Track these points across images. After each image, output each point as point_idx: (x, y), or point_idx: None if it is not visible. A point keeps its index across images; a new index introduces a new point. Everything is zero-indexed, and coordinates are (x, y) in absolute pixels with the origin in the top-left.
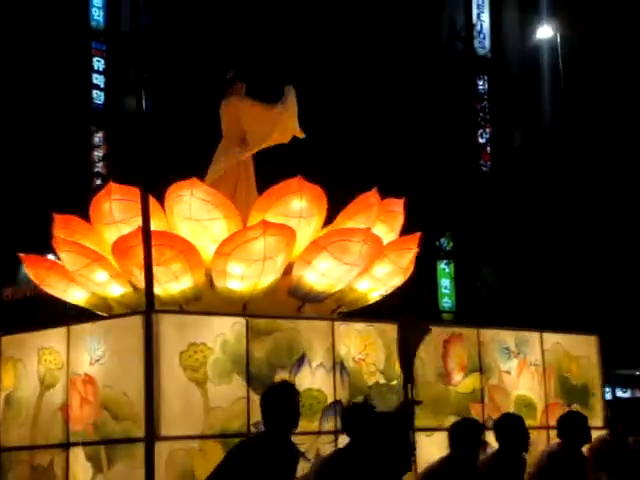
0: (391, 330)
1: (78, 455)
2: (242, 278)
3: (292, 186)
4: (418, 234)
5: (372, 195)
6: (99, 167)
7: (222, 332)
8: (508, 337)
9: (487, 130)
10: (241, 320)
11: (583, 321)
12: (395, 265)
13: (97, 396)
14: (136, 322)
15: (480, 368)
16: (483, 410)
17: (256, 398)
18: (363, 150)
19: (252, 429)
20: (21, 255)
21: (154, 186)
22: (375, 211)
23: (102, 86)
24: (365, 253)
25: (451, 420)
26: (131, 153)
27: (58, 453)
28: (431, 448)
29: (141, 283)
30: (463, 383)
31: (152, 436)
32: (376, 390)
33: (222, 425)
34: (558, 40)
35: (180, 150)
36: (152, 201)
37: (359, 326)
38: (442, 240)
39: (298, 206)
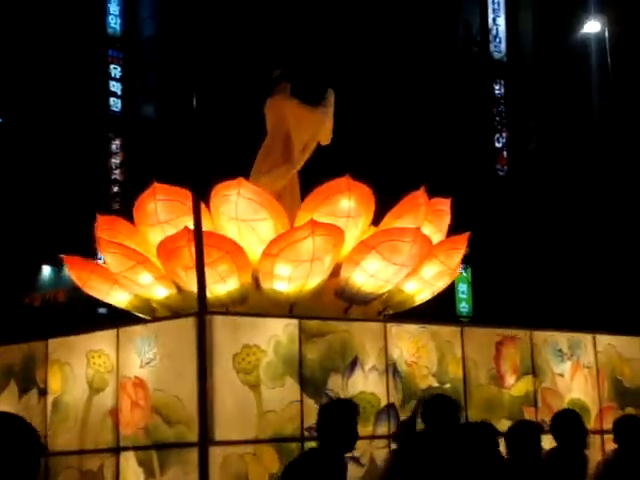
0: (444, 332)
1: (129, 460)
2: (289, 279)
3: (340, 185)
4: (467, 234)
5: (420, 195)
6: (116, 174)
7: (275, 334)
8: (561, 339)
9: (504, 134)
10: (294, 322)
11: (612, 322)
12: (444, 266)
13: (148, 400)
14: (188, 324)
15: (533, 371)
16: (536, 414)
17: (309, 402)
18: (383, 152)
19: (306, 433)
20: (64, 257)
21: (199, 186)
22: (423, 211)
23: (119, 93)
24: (415, 253)
25: (505, 424)
26: (148, 159)
27: (108, 458)
28: None
29: (187, 285)
30: (516, 386)
31: (206, 441)
32: (429, 393)
33: (275, 429)
34: (606, 35)
35: (222, 149)
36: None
37: (411, 328)
38: None
39: (346, 206)
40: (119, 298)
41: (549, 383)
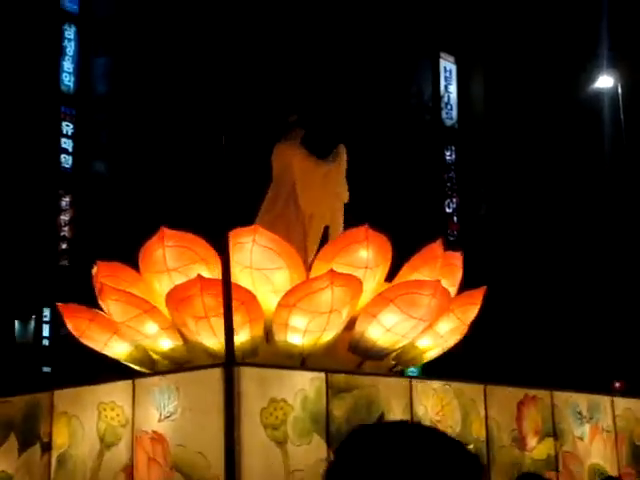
0: (467, 390)
1: None
2: (305, 332)
3: (359, 235)
4: (483, 288)
5: (437, 247)
6: (65, 231)
7: (302, 388)
8: (580, 400)
9: (454, 200)
10: (321, 375)
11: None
12: (459, 321)
13: (167, 456)
14: (213, 375)
15: (554, 433)
16: (558, 479)
17: None
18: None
19: None
20: (60, 305)
21: (223, 234)
22: (440, 264)
23: (70, 150)
24: (434, 307)
25: None
26: (98, 216)
27: None
28: None
29: (195, 336)
30: (538, 449)
31: None
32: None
33: None
34: (618, 87)
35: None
36: (208, 248)
37: (436, 385)
38: None
39: (365, 256)
40: (118, 349)
41: (570, 447)
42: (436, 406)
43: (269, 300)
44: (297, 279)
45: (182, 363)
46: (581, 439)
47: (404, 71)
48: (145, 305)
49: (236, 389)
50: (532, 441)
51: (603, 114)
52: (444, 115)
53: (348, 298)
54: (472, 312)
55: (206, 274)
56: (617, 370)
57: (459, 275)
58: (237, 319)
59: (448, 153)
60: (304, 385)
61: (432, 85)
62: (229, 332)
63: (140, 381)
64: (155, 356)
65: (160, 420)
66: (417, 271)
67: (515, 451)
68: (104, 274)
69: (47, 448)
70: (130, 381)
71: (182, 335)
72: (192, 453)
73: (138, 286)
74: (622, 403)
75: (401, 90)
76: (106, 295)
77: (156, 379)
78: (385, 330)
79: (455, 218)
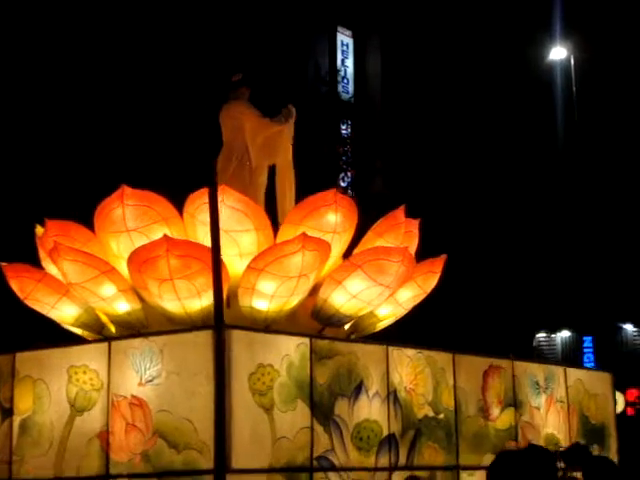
0: (439, 358)
1: None
2: (272, 297)
3: (328, 198)
4: (444, 256)
5: (400, 213)
6: None
7: (287, 353)
8: (538, 371)
9: (349, 174)
10: (305, 341)
11: None
12: (420, 289)
13: (149, 422)
14: (202, 338)
15: (515, 403)
16: (518, 448)
17: (319, 429)
18: None
19: (315, 463)
20: (3, 265)
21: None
22: (402, 230)
23: None
24: (401, 274)
25: (489, 458)
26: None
27: None
28: None
29: (156, 299)
30: (500, 419)
31: (223, 469)
32: (425, 423)
33: (288, 457)
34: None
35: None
36: (170, 208)
37: (410, 352)
38: None
39: (333, 220)
40: (66, 312)
41: (528, 417)
42: (410, 374)
43: (234, 264)
44: (264, 242)
45: (138, 328)
46: (538, 409)
47: (302, 45)
48: (104, 266)
49: (226, 353)
50: (495, 411)
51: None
52: (340, 89)
53: (317, 263)
54: (433, 280)
55: (168, 235)
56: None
57: (416, 242)
58: (201, 282)
59: (344, 127)
60: (289, 351)
61: (329, 59)
62: (218, 293)
63: (117, 343)
64: (105, 319)
65: (141, 384)
66: (382, 237)
67: (480, 421)
68: (55, 233)
69: (8, 414)
70: (105, 344)
71: (140, 298)
72: (178, 419)
73: (92, 247)
74: (573, 373)
75: (299, 64)
76: (61, 255)
77: (136, 341)
78: (350, 297)
79: (350, 192)
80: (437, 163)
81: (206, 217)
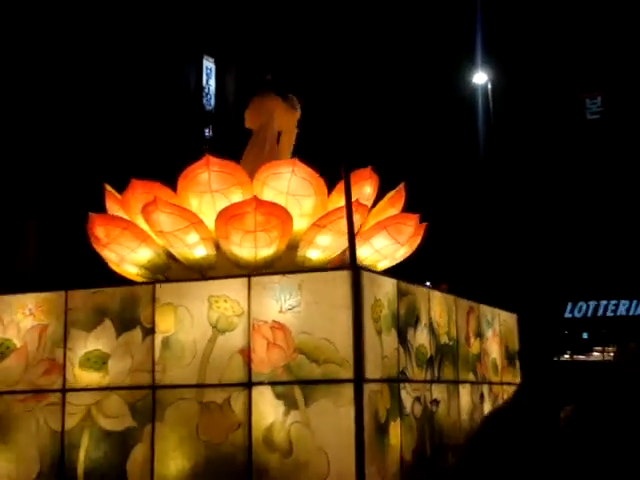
0: (448, 301)
1: (264, 393)
2: (324, 249)
3: (364, 175)
4: (417, 214)
5: (402, 188)
6: None
7: (387, 291)
8: (488, 312)
9: None
10: (395, 282)
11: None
12: (394, 239)
13: (290, 341)
14: (339, 276)
15: (480, 334)
16: (481, 369)
17: (401, 350)
18: None
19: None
20: (92, 215)
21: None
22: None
23: None
24: (409, 235)
25: (470, 376)
26: None
27: (237, 391)
28: (465, 397)
29: (235, 247)
30: (474, 346)
31: (362, 378)
32: (445, 349)
33: (388, 372)
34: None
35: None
36: (245, 175)
37: (439, 295)
38: None
39: (368, 192)
40: (142, 255)
41: (485, 345)
42: (438, 311)
43: (296, 222)
44: (320, 206)
45: (205, 270)
46: (488, 340)
47: (177, 69)
48: (193, 218)
49: (360, 288)
50: (472, 340)
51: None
52: (205, 102)
53: (359, 223)
54: (405, 233)
55: (242, 196)
56: None
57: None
58: (274, 234)
59: (207, 131)
60: (388, 289)
61: (196, 79)
62: (352, 242)
63: (257, 279)
64: (169, 262)
65: (281, 312)
66: (393, 207)
67: (467, 348)
68: (143, 191)
69: (150, 332)
70: (245, 279)
71: (217, 246)
72: (318, 339)
73: (174, 202)
74: (502, 315)
75: (174, 83)
76: (159, 207)
77: (275, 278)
78: (374, 251)
79: None
80: None
81: (277, 184)
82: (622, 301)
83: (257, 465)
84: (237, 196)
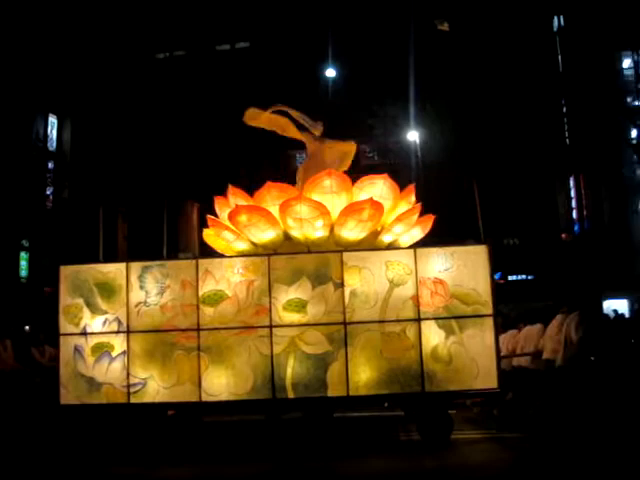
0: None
1: (429, 325)
2: (351, 230)
3: (377, 178)
4: (419, 205)
5: (412, 187)
6: None
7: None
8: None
9: (50, 189)
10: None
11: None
12: (408, 225)
13: (447, 291)
14: (478, 249)
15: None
16: None
17: None
18: None
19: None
20: (241, 205)
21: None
22: (383, 187)
23: None
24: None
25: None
26: None
27: (410, 324)
28: None
29: (346, 232)
30: None
31: (495, 313)
32: None
33: None
34: None
35: None
36: (349, 183)
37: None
38: None
39: (379, 193)
40: (268, 235)
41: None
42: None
43: (333, 210)
44: (346, 200)
45: (276, 248)
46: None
47: (29, 120)
48: (324, 209)
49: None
50: None
51: None
52: (48, 145)
53: (378, 215)
54: (412, 218)
55: (347, 199)
56: None
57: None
58: (371, 224)
59: (50, 164)
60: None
61: (44, 129)
62: (481, 227)
63: (420, 250)
64: (285, 243)
65: (440, 272)
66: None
67: None
68: (277, 190)
69: (339, 286)
70: (412, 250)
71: (331, 230)
72: (467, 290)
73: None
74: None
75: (28, 131)
76: (302, 200)
77: (433, 249)
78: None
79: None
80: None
81: (371, 189)
82: None
83: (427, 371)
84: (345, 198)
